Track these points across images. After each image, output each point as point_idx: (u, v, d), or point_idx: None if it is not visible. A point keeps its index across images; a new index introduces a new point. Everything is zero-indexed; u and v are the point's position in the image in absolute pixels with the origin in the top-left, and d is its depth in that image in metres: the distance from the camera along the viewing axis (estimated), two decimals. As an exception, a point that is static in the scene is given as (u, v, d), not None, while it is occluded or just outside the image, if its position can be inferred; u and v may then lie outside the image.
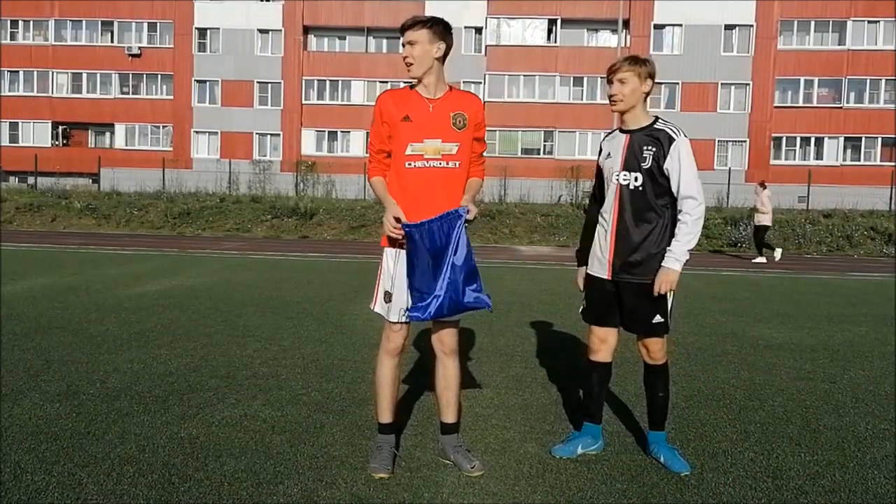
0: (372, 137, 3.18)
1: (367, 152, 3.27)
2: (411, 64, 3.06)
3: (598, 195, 3.47)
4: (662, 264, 3.18)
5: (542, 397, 4.37)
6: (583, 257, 3.48)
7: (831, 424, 3.95)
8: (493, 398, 4.32)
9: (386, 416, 3.25)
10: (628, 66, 3.20)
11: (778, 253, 15.53)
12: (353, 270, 11.73)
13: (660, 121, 3.27)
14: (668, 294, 3.23)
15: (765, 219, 15.39)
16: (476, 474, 3.11)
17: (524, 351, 5.72)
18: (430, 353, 3.38)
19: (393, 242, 3.11)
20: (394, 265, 3.12)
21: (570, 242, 19.61)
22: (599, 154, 3.43)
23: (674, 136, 3.19)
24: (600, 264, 3.31)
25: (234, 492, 2.88)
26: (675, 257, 3.17)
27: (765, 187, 15.52)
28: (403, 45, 3.08)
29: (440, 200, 3.04)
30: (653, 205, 3.21)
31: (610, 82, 3.26)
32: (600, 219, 3.36)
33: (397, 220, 3.02)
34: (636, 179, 3.20)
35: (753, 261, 15.53)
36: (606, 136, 3.46)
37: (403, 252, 3.08)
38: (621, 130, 3.32)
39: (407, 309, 3.09)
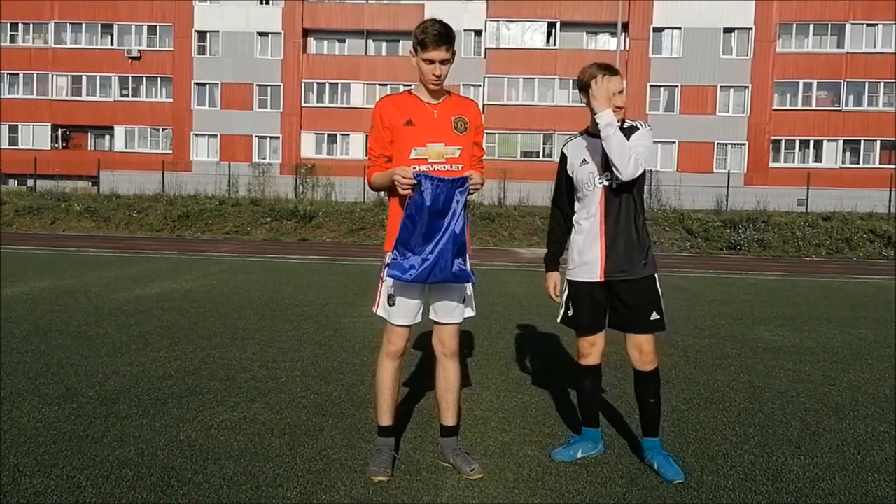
0: (372, 143, 3.16)
1: (367, 156, 3.25)
2: (440, 81, 3.04)
3: (563, 206, 3.42)
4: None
5: (542, 400, 4.37)
6: (553, 262, 3.50)
7: (831, 427, 3.95)
8: (492, 401, 4.31)
9: (386, 419, 3.24)
10: (612, 73, 3.20)
11: None
12: (352, 273, 11.73)
13: (627, 120, 3.29)
14: (658, 286, 3.29)
15: None
16: (475, 477, 3.10)
17: (524, 353, 5.72)
18: (431, 356, 3.37)
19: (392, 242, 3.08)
20: None
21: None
22: (564, 162, 3.36)
23: (638, 126, 3.24)
24: (588, 269, 3.28)
25: (233, 495, 2.88)
26: (612, 126, 3.08)
27: None
28: (431, 62, 2.99)
29: None
30: (632, 199, 3.24)
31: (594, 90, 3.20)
32: (577, 225, 3.34)
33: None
34: (617, 178, 3.19)
35: None
36: (568, 142, 3.41)
37: None
38: (593, 135, 3.26)
39: (387, 265, 3.06)
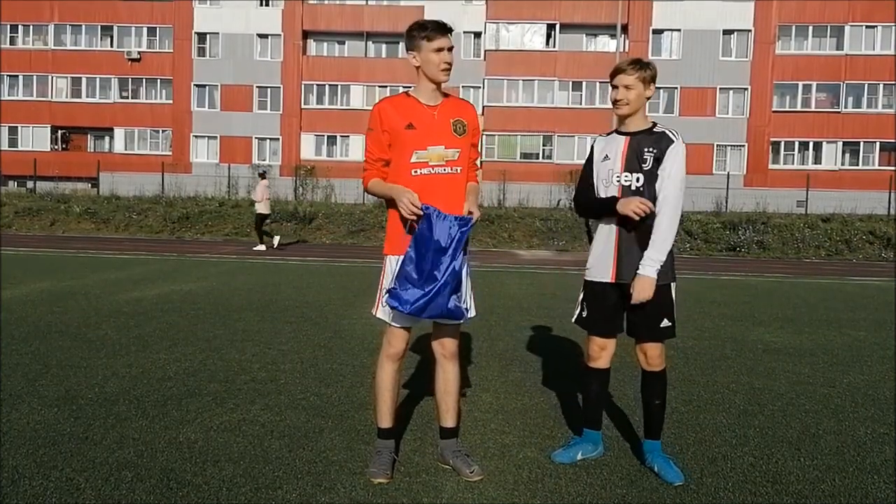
0: (370, 146, 3.12)
1: (364, 159, 3.22)
2: (450, 69, 3.05)
3: (591, 194, 3.38)
4: (639, 272, 3.14)
5: (542, 402, 4.36)
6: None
7: (831, 429, 3.95)
8: (492, 402, 4.31)
9: (386, 421, 3.24)
10: (633, 70, 3.18)
11: (276, 240, 16.88)
12: (351, 275, 11.73)
13: (658, 125, 3.27)
14: (673, 295, 3.25)
15: (260, 207, 16.58)
16: (475, 479, 3.10)
17: (523, 355, 5.72)
18: (430, 357, 3.37)
19: (397, 248, 3.08)
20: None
21: (569, 247, 19.62)
22: (591, 155, 3.36)
23: (673, 138, 3.19)
24: (603, 268, 3.26)
25: (233, 497, 2.88)
26: (652, 264, 3.12)
27: (264, 178, 16.88)
28: (441, 49, 3.02)
29: (446, 206, 3.04)
30: (653, 206, 3.18)
31: (615, 86, 3.23)
32: (593, 222, 3.33)
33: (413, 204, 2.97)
34: (638, 181, 3.17)
35: (254, 248, 16.70)
36: (600, 137, 3.41)
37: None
38: (619, 133, 3.30)
39: (387, 291, 3.06)
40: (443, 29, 3.04)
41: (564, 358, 5.67)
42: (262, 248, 16.62)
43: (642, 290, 3.12)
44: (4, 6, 35.06)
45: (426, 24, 3.06)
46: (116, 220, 22.57)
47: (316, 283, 10.33)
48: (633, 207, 3.11)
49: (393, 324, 3.15)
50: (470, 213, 3.08)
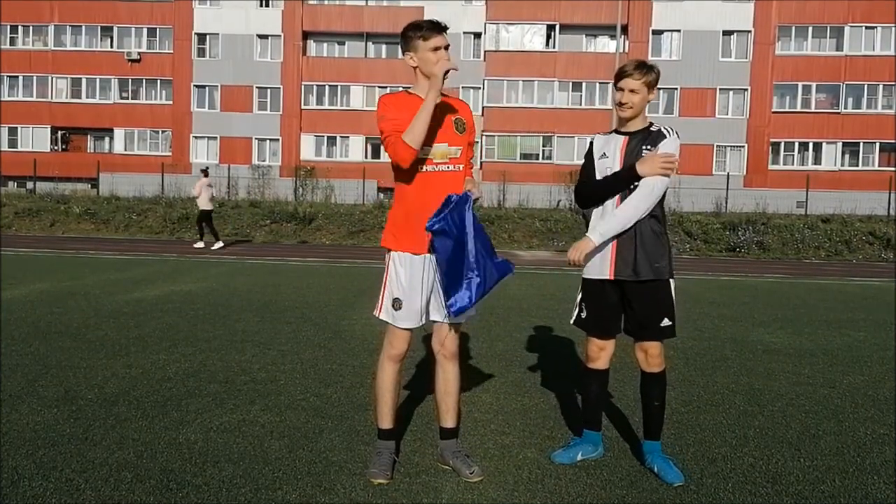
0: (388, 126, 2.97)
1: (385, 138, 3.00)
2: (451, 69, 3.03)
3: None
4: (587, 234, 3.21)
5: (542, 402, 4.36)
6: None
7: (831, 429, 3.95)
8: (492, 403, 4.31)
9: (386, 422, 3.24)
10: (640, 75, 3.18)
11: (218, 244, 16.88)
12: (351, 275, 11.73)
13: (654, 124, 3.29)
14: (672, 293, 3.25)
15: (202, 203, 16.72)
16: (475, 480, 3.10)
17: (523, 356, 5.72)
18: (430, 358, 3.37)
19: (401, 244, 3.07)
20: (404, 271, 3.09)
21: (569, 247, 19.58)
22: (591, 151, 3.37)
23: (666, 133, 3.22)
24: (600, 266, 3.26)
25: (233, 497, 2.88)
26: (596, 234, 3.18)
27: (206, 175, 16.96)
28: (438, 48, 2.99)
29: None
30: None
31: (620, 89, 3.22)
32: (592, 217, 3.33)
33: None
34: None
35: (194, 245, 16.89)
36: (598, 135, 3.42)
37: (411, 257, 3.06)
38: (618, 132, 3.32)
39: (447, 306, 3.02)
40: (438, 27, 3.03)
41: (564, 358, 5.67)
42: (201, 244, 16.75)
43: (576, 249, 3.20)
44: (4, 6, 35.06)
45: (421, 23, 3.04)
46: (116, 220, 22.57)
47: (316, 283, 10.33)
48: (659, 166, 3.12)
49: (398, 325, 3.14)
50: (469, 191, 3.06)
